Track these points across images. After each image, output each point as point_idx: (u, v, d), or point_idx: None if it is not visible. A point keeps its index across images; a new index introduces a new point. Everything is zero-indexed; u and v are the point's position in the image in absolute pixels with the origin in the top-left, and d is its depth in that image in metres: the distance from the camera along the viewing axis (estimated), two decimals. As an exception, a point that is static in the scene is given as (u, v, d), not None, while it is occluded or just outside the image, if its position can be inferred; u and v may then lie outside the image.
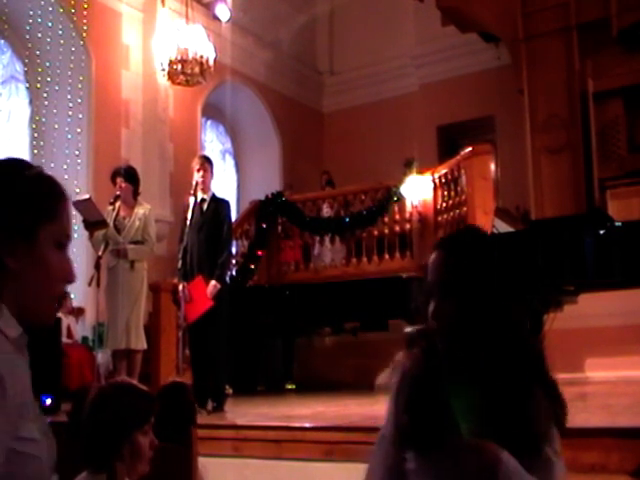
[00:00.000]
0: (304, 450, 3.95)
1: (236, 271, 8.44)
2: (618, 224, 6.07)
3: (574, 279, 5.60)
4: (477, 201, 7.35)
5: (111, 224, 5.61)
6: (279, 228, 9.26)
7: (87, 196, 5.73)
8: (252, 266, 8.62)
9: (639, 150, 8.28)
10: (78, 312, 7.31)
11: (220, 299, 5.24)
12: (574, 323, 5.96)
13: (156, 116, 8.77)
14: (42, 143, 8.04)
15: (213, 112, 10.59)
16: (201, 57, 8.27)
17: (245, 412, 5.40)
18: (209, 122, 10.78)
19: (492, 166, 7.68)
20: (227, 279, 5.61)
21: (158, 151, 8.76)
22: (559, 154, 8.36)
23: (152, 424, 2.08)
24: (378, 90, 11.50)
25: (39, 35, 7.99)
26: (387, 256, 8.49)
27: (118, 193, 5.73)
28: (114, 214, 5.70)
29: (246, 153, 11.45)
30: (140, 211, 5.78)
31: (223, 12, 9.46)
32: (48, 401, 4.96)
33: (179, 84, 8.50)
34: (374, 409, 5.50)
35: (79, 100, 8.05)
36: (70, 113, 8.00)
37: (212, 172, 5.62)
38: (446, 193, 8.12)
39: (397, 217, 8.52)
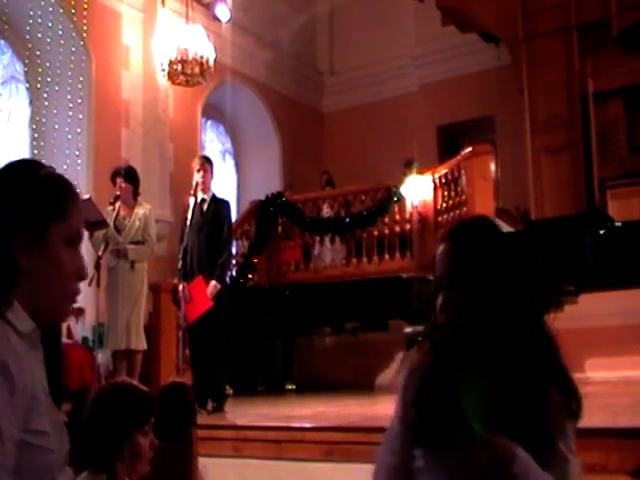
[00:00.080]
0: (304, 450, 3.95)
1: (236, 271, 8.45)
2: (618, 224, 6.07)
3: (574, 279, 5.60)
4: (477, 201, 7.35)
5: (111, 224, 5.61)
6: (279, 228, 9.26)
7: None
8: (250, 275, 8.61)
9: (639, 150, 8.27)
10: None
11: (220, 299, 5.24)
12: (574, 323, 5.95)
13: (156, 116, 8.77)
14: (42, 143, 8.04)
15: (213, 112, 10.59)
16: (201, 57, 8.28)
17: (245, 412, 5.40)
18: (209, 122, 10.78)
19: (492, 166, 7.68)
20: (227, 279, 5.61)
21: (158, 151, 8.76)
22: (559, 154, 8.36)
23: (152, 424, 2.08)
24: (378, 90, 11.50)
25: (39, 35, 7.99)
26: (387, 256, 8.49)
27: (118, 193, 5.73)
28: (114, 214, 5.69)
29: (246, 153, 11.45)
30: (140, 211, 5.78)
31: (223, 12, 9.46)
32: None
33: (179, 84, 8.50)
34: (374, 409, 5.51)
35: (79, 100, 8.05)
36: (70, 113, 8.00)
37: (212, 172, 5.62)
38: (446, 193, 8.12)
39: (397, 217, 8.52)
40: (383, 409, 5.24)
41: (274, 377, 8.21)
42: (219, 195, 5.79)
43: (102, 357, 6.53)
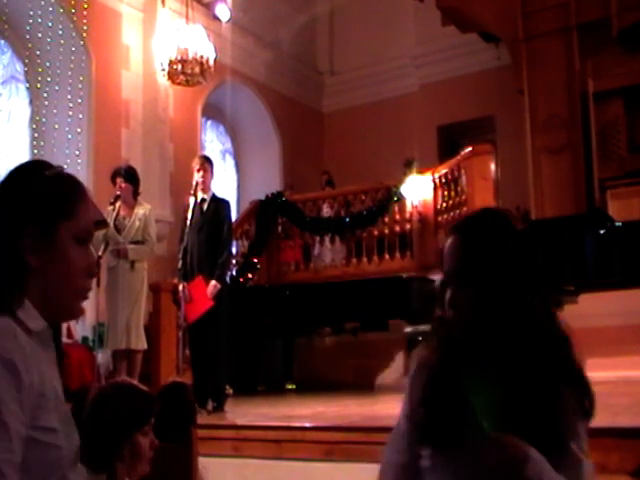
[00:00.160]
0: (304, 450, 3.95)
1: (236, 271, 8.45)
2: (618, 224, 6.07)
3: (574, 279, 5.60)
4: (477, 201, 7.35)
5: (111, 224, 5.61)
6: (279, 228, 9.26)
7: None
8: (250, 275, 8.61)
9: (639, 150, 8.27)
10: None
11: (220, 299, 5.24)
12: (574, 323, 5.93)
13: (156, 116, 8.77)
14: (42, 143, 8.04)
15: (213, 112, 10.58)
16: (201, 57, 8.27)
17: (245, 412, 5.40)
18: (209, 122, 10.77)
19: (492, 166, 7.69)
20: (227, 279, 5.61)
21: (158, 151, 8.76)
22: (559, 154, 8.35)
23: (152, 424, 2.08)
24: (378, 90, 11.50)
25: (39, 35, 7.98)
26: (387, 256, 8.49)
27: (118, 193, 5.73)
28: (114, 214, 5.69)
29: (246, 153, 11.45)
30: (140, 211, 5.78)
31: (223, 12, 9.45)
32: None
33: (179, 84, 8.50)
34: (374, 409, 5.51)
35: (79, 100, 8.05)
36: (70, 113, 7.99)
37: (212, 172, 5.63)
38: (446, 193, 8.13)
39: (397, 217, 8.53)
40: (383, 409, 5.25)
41: (274, 377, 8.21)
42: (219, 195, 5.79)
43: (102, 357, 6.52)
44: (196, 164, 5.51)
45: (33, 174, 1.27)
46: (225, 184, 10.88)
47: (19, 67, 8.21)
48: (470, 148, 7.83)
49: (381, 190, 8.78)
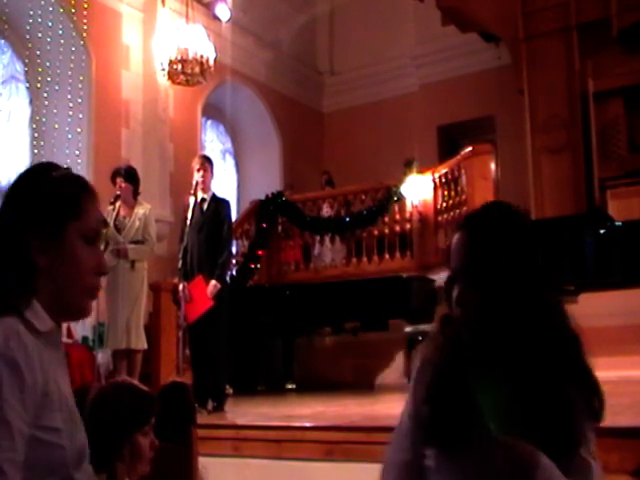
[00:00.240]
0: (304, 450, 3.95)
1: (236, 271, 8.45)
2: (618, 224, 6.07)
3: (574, 279, 5.60)
4: (477, 201, 7.34)
5: (111, 224, 5.61)
6: (279, 228, 9.26)
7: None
8: (252, 266, 8.62)
9: (639, 150, 8.27)
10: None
11: (220, 299, 5.24)
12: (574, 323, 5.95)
13: (156, 116, 8.77)
14: (42, 143, 8.03)
15: (213, 112, 10.58)
16: (201, 57, 8.27)
17: (245, 412, 5.40)
18: (209, 122, 10.77)
19: (492, 166, 7.69)
20: (227, 279, 5.61)
21: (158, 151, 8.76)
22: (559, 154, 8.35)
23: (152, 425, 2.08)
24: (378, 90, 11.50)
25: (39, 35, 7.98)
26: (387, 256, 8.50)
27: (118, 193, 5.74)
28: (114, 214, 5.70)
29: (246, 153, 11.44)
30: (140, 211, 5.79)
31: (223, 12, 9.45)
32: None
33: (179, 84, 8.50)
34: (374, 409, 5.51)
35: (79, 100, 8.05)
36: (70, 113, 7.99)
37: (212, 172, 5.63)
38: (446, 193, 8.13)
39: (397, 217, 8.53)
40: (383, 409, 5.25)
41: (274, 377, 8.21)
42: (219, 195, 5.79)
43: (102, 357, 6.52)
44: (196, 164, 5.51)
45: (41, 176, 1.29)
46: (225, 184, 10.88)
47: (19, 67, 8.21)
48: (470, 148, 7.83)
49: (381, 190, 8.78)
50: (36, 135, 8.06)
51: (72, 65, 8.03)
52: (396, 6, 11.23)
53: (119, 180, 5.77)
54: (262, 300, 7.69)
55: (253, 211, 9.26)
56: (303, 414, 5.16)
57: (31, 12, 7.88)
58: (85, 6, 7.98)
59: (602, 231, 5.95)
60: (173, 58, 8.22)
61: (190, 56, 8.23)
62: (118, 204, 5.74)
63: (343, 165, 10.99)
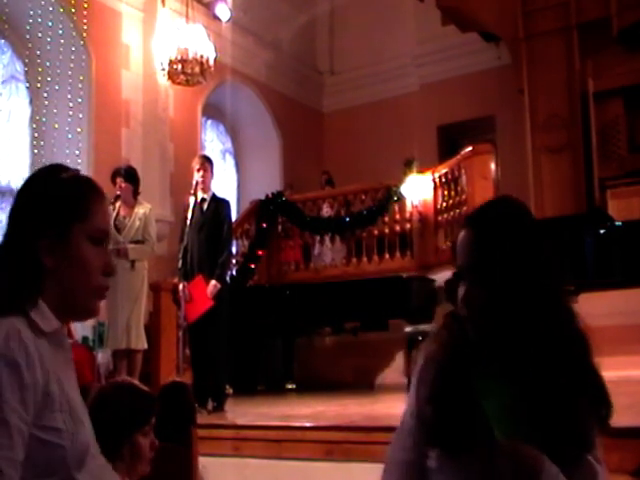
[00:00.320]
0: (304, 450, 3.95)
1: (236, 271, 8.45)
2: (618, 224, 6.07)
3: (574, 279, 5.60)
4: (477, 201, 7.33)
5: (111, 224, 5.61)
6: (279, 228, 9.26)
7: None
8: (252, 266, 8.62)
9: (639, 150, 8.27)
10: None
11: (220, 299, 5.24)
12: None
13: (156, 116, 8.77)
14: (42, 143, 8.03)
15: (213, 112, 10.58)
16: (201, 57, 8.27)
17: (245, 412, 5.41)
18: (209, 122, 10.77)
19: (492, 166, 7.68)
20: (227, 279, 5.61)
21: (158, 151, 8.76)
22: (559, 154, 8.35)
23: (153, 425, 2.08)
24: (378, 90, 11.49)
25: (39, 35, 7.98)
26: (387, 256, 8.49)
27: (118, 193, 5.74)
28: (114, 214, 5.70)
29: (246, 153, 11.44)
30: (140, 211, 5.79)
31: (223, 12, 9.45)
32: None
33: (179, 84, 8.50)
34: (374, 408, 5.51)
35: (79, 100, 8.04)
36: (70, 113, 7.99)
37: (212, 172, 5.63)
38: (446, 193, 8.13)
39: (397, 217, 8.53)
40: (383, 409, 5.25)
41: (274, 377, 8.21)
42: (219, 195, 5.79)
43: (102, 356, 6.53)
44: (196, 164, 5.51)
45: (49, 177, 1.31)
46: (225, 184, 10.88)
47: (19, 67, 8.20)
48: (470, 148, 7.83)
49: (381, 190, 8.77)
50: (36, 135, 8.06)
51: (72, 65, 8.03)
52: (396, 6, 11.23)
53: (119, 180, 5.77)
54: (262, 300, 7.69)
55: (253, 211, 9.26)
56: (303, 414, 5.16)
57: (31, 12, 7.88)
58: (85, 6, 7.98)
59: (602, 231, 5.95)
60: (173, 58, 8.22)
61: (190, 56, 8.22)
62: (118, 204, 5.74)
63: (343, 165, 10.98)
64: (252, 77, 10.74)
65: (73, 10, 7.91)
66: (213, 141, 11.00)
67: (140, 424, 2.02)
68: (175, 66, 8.24)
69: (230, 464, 4.10)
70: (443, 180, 8.19)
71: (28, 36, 7.98)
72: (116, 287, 5.56)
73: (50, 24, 7.93)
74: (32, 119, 8.11)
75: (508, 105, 9.72)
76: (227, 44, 9.66)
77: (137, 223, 5.74)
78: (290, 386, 8.00)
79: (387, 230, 8.56)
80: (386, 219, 8.58)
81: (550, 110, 8.45)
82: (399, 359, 7.78)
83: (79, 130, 7.99)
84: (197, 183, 5.45)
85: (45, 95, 8.08)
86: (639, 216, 6.91)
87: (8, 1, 7.86)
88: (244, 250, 8.87)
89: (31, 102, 8.17)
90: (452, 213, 7.90)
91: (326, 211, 9.40)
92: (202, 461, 3.40)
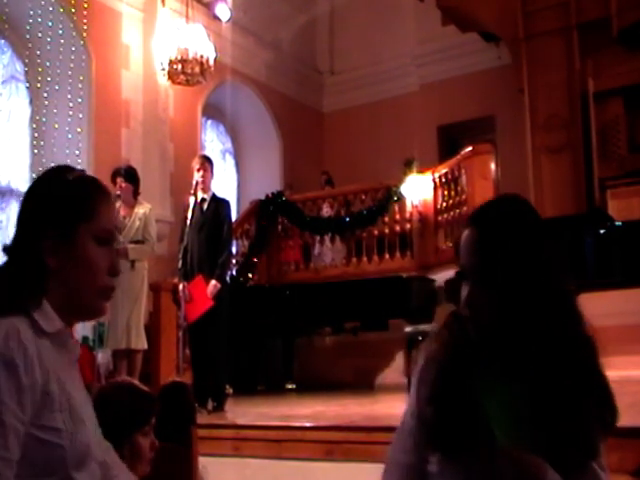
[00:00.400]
0: (304, 450, 3.95)
1: (236, 271, 8.45)
2: (618, 224, 6.08)
3: (574, 279, 5.59)
4: (477, 201, 7.33)
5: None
6: (279, 228, 9.26)
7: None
8: (250, 275, 8.60)
9: (639, 150, 8.27)
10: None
11: (220, 299, 5.24)
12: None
13: (156, 116, 8.77)
14: (42, 143, 8.03)
15: (213, 112, 10.58)
16: (201, 57, 8.27)
17: (245, 412, 5.41)
18: (209, 122, 10.77)
19: (492, 166, 7.69)
20: (227, 279, 5.61)
21: (158, 151, 8.76)
22: (559, 154, 8.35)
23: (153, 425, 2.08)
24: (378, 90, 11.49)
25: (39, 35, 7.97)
26: (387, 256, 8.49)
27: (118, 193, 5.74)
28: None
29: (246, 153, 11.44)
30: (140, 211, 5.79)
31: (223, 12, 9.45)
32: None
33: (179, 84, 8.50)
34: (374, 409, 5.52)
35: (79, 100, 8.04)
36: (70, 113, 7.99)
37: (212, 172, 5.63)
38: (446, 193, 8.13)
39: (397, 217, 8.53)
40: (383, 409, 5.25)
41: (274, 377, 8.21)
42: (219, 195, 5.79)
43: (102, 357, 6.53)
44: (196, 164, 5.51)
45: (54, 178, 1.32)
46: (225, 184, 10.88)
47: (19, 67, 8.20)
48: (470, 148, 7.83)
49: (381, 190, 8.78)
50: (36, 135, 8.06)
51: (72, 65, 8.03)
52: (396, 6, 11.23)
53: (119, 180, 5.77)
54: (262, 300, 7.69)
55: (253, 211, 9.26)
56: (303, 414, 5.16)
57: (31, 12, 7.88)
58: (85, 6, 7.98)
59: (602, 231, 5.96)
60: (173, 58, 8.22)
61: (190, 56, 8.22)
62: (118, 204, 5.73)
63: (343, 165, 10.98)
64: (252, 77, 10.74)
65: (73, 10, 7.91)
66: (213, 141, 11.00)
67: (140, 424, 2.02)
68: (175, 66, 8.24)
69: (230, 464, 4.10)
70: (443, 180, 8.19)
71: (28, 36, 7.98)
72: (116, 287, 5.55)
73: (50, 24, 7.93)
74: (32, 119, 8.10)
75: (508, 105, 9.72)
76: (227, 44, 9.66)
77: (137, 223, 5.74)
78: (290, 386, 8.00)
79: (387, 230, 8.56)
80: (386, 219, 8.59)
81: (550, 110, 8.45)
82: (399, 359, 7.78)
83: (79, 130, 7.99)
84: (197, 183, 5.45)
85: (45, 95, 8.08)
86: (639, 216, 6.91)
87: (8, 1, 7.86)
88: (244, 250, 8.87)
89: (31, 102, 8.16)
90: (452, 213, 7.90)
91: (326, 211, 9.40)
92: (202, 461, 3.40)
